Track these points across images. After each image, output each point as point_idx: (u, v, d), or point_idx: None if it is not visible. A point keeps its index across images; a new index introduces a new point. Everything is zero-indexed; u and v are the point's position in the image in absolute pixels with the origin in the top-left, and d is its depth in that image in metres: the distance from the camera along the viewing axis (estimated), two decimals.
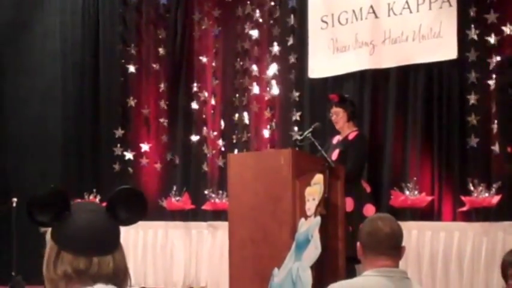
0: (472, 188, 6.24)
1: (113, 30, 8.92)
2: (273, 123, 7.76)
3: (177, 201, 8.13)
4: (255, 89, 7.89)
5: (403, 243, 2.96)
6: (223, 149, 8.04)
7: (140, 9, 8.79)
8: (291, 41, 7.64)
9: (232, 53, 8.12)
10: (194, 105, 8.33)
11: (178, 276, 7.97)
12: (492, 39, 6.38)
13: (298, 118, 7.52)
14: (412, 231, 6.40)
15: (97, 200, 8.18)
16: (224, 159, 7.74)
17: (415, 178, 6.59)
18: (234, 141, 7.98)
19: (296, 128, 7.48)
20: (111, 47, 8.88)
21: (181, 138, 8.41)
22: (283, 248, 5.38)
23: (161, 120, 8.58)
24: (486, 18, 6.42)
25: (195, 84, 8.35)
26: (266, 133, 7.77)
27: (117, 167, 8.61)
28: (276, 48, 7.75)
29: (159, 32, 8.63)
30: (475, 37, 6.45)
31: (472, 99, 6.44)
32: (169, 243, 8.10)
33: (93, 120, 8.93)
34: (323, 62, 7.33)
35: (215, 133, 8.16)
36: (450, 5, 6.55)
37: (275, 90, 7.75)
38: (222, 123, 8.16)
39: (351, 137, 6.43)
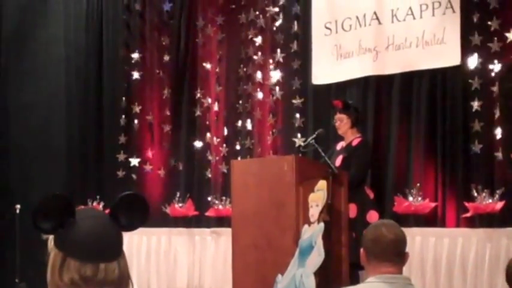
0: (475, 194, 6.24)
1: (116, 37, 8.94)
2: (276, 130, 7.77)
3: (180, 207, 8.13)
4: (259, 95, 7.90)
5: (407, 250, 2.96)
6: (226, 155, 8.04)
7: (144, 15, 8.81)
8: (294, 48, 7.64)
9: (236, 59, 8.13)
10: (198, 112, 8.34)
11: (182, 283, 7.96)
12: (495, 46, 6.38)
13: (301, 124, 7.53)
14: (416, 238, 6.39)
15: (100, 206, 8.19)
16: (227, 166, 7.75)
17: (418, 184, 6.58)
18: (238, 147, 7.98)
19: (299, 135, 7.48)
20: (115, 53, 8.90)
21: (184, 145, 8.41)
22: (287, 254, 5.37)
23: (165, 126, 8.58)
24: (489, 24, 6.42)
25: (198, 91, 8.36)
26: (269, 139, 7.78)
27: (120, 173, 8.62)
28: (279, 55, 7.76)
29: (162, 38, 8.64)
30: (478, 43, 6.46)
31: (476, 105, 6.44)
32: (173, 249, 8.10)
33: (97, 127, 8.94)
34: (327, 69, 7.34)
35: (218, 139, 8.16)
36: (453, 11, 6.56)
37: (278, 96, 7.76)
38: (226, 129, 8.17)
39: (354, 143, 6.43)
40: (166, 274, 8.10)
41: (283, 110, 7.76)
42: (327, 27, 7.37)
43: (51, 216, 1.71)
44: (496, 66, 6.37)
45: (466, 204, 6.30)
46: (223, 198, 7.79)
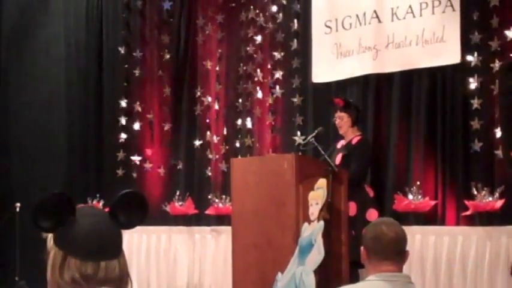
0: (475, 193, 6.23)
1: (116, 35, 8.94)
2: (276, 128, 7.77)
3: (180, 205, 8.13)
4: (259, 94, 7.90)
5: (407, 248, 2.96)
6: (226, 153, 8.04)
7: (144, 14, 8.80)
8: (294, 46, 7.64)
9: (236, 58, 8.13)
10: (198, 110, 8.34)
11: (182, 281, 7.96)
12: (495, 44, 6.38)
13: (301, 123, 7.53)
14: (416, 236, 6.39)
15: (100, 205, 8.19)
16: (227, 164, 7.75)
17: (418, 182, 6.58)
18: (238, 145, 7.99)
19: (299, 133, 7.48)
20: (115, 52, 8.90)
21: (184, 143, 8.41)
22: (287, 253, 5.38)
23: (165, 125, 8.58)
24: (489, 22, 6.42)
25: (198, 89, 8.36)
26: (269, 138, 7.78)
27: (120, 172, 8.62)
28: (279, 53, 7.76)
29: (162, 37, 8.64)
30: (478, 41, 6.46)
31: (476, 103, 6.44)
32: (173, 248, 8.10)
33: (97, 125, 8.94)
34: (327, 67, 7.34)
35: (218, 138, 8.16)
36: (453, 10, 6.56)
37: (278, 95, 7.76)
38: (226, 127, 8.17)
39: (354, 141, 6.43)
40: (166, 272, 8.10)
41: (283, 109, 7.76)
42: (327, 26, 7.37)
43: (51, 214, 1.71)
44: (496, 65, 6.37)
45: (466, 202, 6.29)
46: (223, 196, 7.79)
